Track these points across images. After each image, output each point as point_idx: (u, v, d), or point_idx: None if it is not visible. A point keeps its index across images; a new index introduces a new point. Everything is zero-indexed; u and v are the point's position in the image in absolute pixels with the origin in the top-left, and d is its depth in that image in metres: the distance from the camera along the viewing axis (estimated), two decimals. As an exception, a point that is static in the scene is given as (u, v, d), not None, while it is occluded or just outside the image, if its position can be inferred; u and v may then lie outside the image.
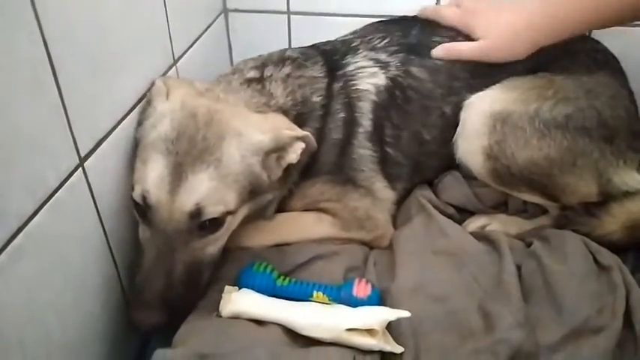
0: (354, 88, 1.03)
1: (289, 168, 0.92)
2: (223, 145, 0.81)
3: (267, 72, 0.99)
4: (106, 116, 0.80)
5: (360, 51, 1.07)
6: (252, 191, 0.85)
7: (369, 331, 0.77)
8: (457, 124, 1.07)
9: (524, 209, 1.12)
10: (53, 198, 0.68)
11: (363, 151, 1.03)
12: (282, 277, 0.90)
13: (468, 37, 1.05)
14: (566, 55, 1.06)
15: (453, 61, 1.05)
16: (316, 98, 1.00)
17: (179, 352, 0.74)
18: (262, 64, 1.01)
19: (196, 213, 0.79)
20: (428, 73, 1.05)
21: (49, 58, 0.65)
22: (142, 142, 0.84)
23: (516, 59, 1.02)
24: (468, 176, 1.11)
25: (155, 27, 0.95)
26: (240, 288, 0.86)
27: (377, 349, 0.77)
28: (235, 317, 0.82)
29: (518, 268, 0.92)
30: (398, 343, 0.78)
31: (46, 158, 0.67)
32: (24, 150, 0.62)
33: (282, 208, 1.03)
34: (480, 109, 1.03)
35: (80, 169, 0.74)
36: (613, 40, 1.13)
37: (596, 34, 1.18)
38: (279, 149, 0.87)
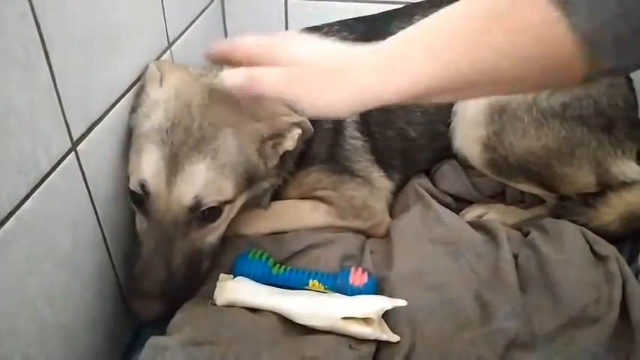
0: None
1: (285, 154, 0.91)
2: (219, 134, 0.80)
3: None
4: (99, 99, 0.78)
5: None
6: (249, 179, 0.84)
7: (366, 320, 0.77)
8: (444, 119, 1.06)
9: (522, 199, 1.12)
10: (45, 182, 0.67)
11: (355, 141, 1.02)
12: (277, 265, 0.89)
13: None
14: None
15: None
16: None
17: (174, 340, 0.73)
18: None
19: (195, 205, 0.78)
20: None
21: (41, 37, 0.63)
22: (136, 131, 0.82)
23: (333, 115, 0.64)
24: (466, 165, 1.10)
25: (150, 9, 0.93)
26: (235, 276, 0.86)
27: (373, 337, 0.77)
28: (230, 305, 0.81)
29: (516, 257, 0.92)
30: (394, 331, 0.78)
31: (37, 141, 0.65)
32: (15, 132, 0.61)
33: (278, 197, 1.02)
34: (478, 99, 1.03)
35: (73, 152, 0.72)
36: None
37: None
38: (275, 136, 0.86)
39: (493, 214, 1.08)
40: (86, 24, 0.72)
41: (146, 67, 0.89)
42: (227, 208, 0.83)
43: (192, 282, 0.84)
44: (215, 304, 0.81)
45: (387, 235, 1.02)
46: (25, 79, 0.62)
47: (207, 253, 0.86)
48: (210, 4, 1.25)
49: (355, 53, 0.61)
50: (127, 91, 0.85)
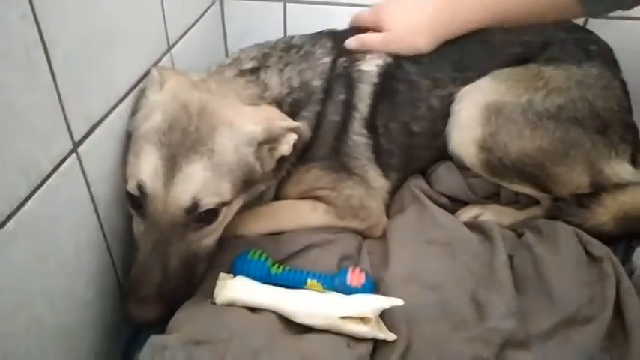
0: (357, 68, 1.03)
1: (282, 159, 0.92)
2: (216, 135, 0.80)
3: (269, 62, 0.99)
4: (101, 101, 0.79)
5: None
6: (245, 182, 0.85)
7: (363, 319, 0.77)
8: (445, 117, 1.07)
9: (517, 200, 1.13)
10: (46, 183, 0.68)
11: (358, 138, 1.03)
12: (276, 265, 0.90)
13: None
14: (554, 45, 1.06)
15: (436, 54, 1.06)
16: (317, 82, 1.00)
17: (173, 338, 0.74)
18: (265, 54, 1.01)
19: (192, 207, 0.78)
20: (414, 65, 1.06)
21: (42, 39, 0.64)
22: (135, 134, 0.83)
23: (420, 52, 1.04)
24: (461, 166, 1.11)
25: (150, 12, 0.94)
26: (234, 275, 0.86)
27: (370, 336, 0.78)
28: (230, 304, 0.81)
29: (511, 257, 0.93)
30: (391, 330, 0.79)
31: (38, 142, 0.66)
32: (16, 133, 0.62)
33: (277, 193, 1.03)
34: (474, 100, 1.04)
35: (74, 154, 0.73)
36: (608, 31, 1.13)
37: (592, 26, 1.18)
38: (271, 140, 0.87)
39: (488, 215, 1.08)
40: (87, 26, 0.73)
41: (147, 70, 0.90)
42: (224, 210, 0.83)
43: (188, 285, 0.84)
44: (215, 303, 0.82)
45: (383, 236, 1.03)
46: (26, 81, 0.62)
47: (204, 257, 0.86)
48: (209, 7, 1.26)
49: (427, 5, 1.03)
50: (128, 92, 0.86)
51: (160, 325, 0.79)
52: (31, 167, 0.65)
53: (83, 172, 0.76)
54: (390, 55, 1.05)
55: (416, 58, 1.05)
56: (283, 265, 0.90)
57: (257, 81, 0.95)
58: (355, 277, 0.87)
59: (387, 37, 1.03)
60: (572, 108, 1.00)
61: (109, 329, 0.87)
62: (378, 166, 1.06)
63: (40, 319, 0.70)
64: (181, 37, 1.08)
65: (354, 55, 1.05)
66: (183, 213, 0.79)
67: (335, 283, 0.86)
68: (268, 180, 0.94)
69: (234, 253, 0.90)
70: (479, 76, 1.06)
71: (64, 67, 0.68)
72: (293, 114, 0.96)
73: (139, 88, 0.88)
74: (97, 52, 0.76)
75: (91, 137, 0.76)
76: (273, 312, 0.81)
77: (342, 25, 1.16)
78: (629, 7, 0.90)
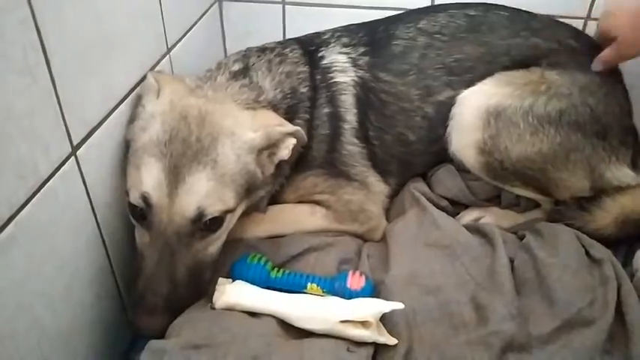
0: (332, 81, 1.03)
1: (281, 163, 0.92)
2: (218, 145, 0.80)
3: (250, 61, 0.99)
4: (99, 104, 0.79)
5: (332, 45, 1.07)
6: (248, 188, 0.85)
7: (363, 323, 0.77)
8: (444, 122, 1.06)
9: (517, 202, 1.13)
10: (45, 187, 0.67)
11: (352, 147, 1.03)
12: (276, 269, 0.90)
13: None
14: (560, 52, 1.06)
15: (425, 61, 1.04)
16: (303, 89, 1.00)
17: (172, 343, 0.74)
18: (244, 55, 1.01)
19: (198, 217, 0.78)
20: (395, 76, 1.04)
21: (41, 43, 0.64)
22: (133, 145, 0.82)
23: None
24: (462, 169, 1.11)
25: (149, 14, 0.93)
26: (234, 280, 0.86)
27: (371, 340, 0.77)
28: (229, 309, 0.81)
29: (511, 260, 0.93)
30: (391, 334, 0.79)
31: (37, 146, 0.65)
32: (14, 137, 0.61)
33: (275, 200, 1.03)
34: (475, 103, 1.03)
35: (73, 157, 0.73)
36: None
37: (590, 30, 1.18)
38: (271, 146, 0.87)
39: (489, 218, 1.08)
40: (86, 30, 0.73)
41: (145, 75, 0.89)
42: (228, 217, 0.84)
43: (196, 294, 0.83)
44: (214, 308, 0.82)
45: (383, 239, 1.02)
46: (24, 85, 0.62)
47: (209, 264, 0.86)
48: (208, 9, 1.25)
49: None
50: (127, 95, 0.86)
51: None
52: (29, 171, 0.65)
53: (82, 175, 0.75)
54: (361, 68, 1.04)
55: (397, 70, 1.04)
56: (283, 269, 0.90)
57: (251, 85, 0.94)
58: (355, 280, 0.86)
59: (616, 47, 1.00)
60: (574, 113, 1.00)
61: (108, 332, 0.87)
62: (376, 172, 1.06)
63: (39, 322, 0.70)
64: (180, 39, 1.08)
65: (324, 68, 1.03)
66: (188, 223, 0.78)
67: (335, 287, 0.86)
68: (268, 185, 0.94)
69: (233, 257, 0.90)
70: (480, 78, 1.05)
71: (62, 70, 0.68)
72: (289, 120, 0.95)
73: (136, 93, 0.88)
74: (95, 56, 0.76)
75: (90, 140, 0.76)
76: (273, 316, 0.81)
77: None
78: None
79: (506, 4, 1.11)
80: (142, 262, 0.80)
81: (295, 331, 0.80)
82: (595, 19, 1.15)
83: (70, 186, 0.73)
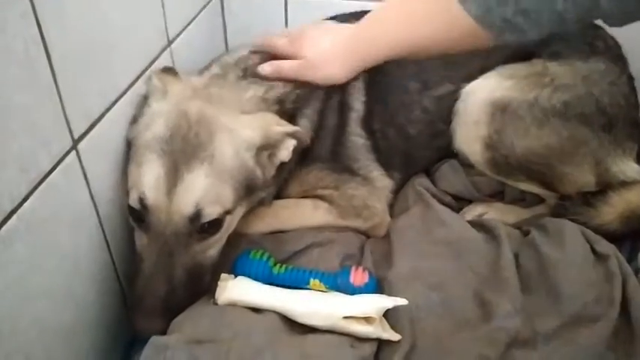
0: None
1: (282, 165, 0.91)
2: (215, 140, 0.80)
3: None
4: (100, 97, 0.78)
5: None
6: (247, 188, 0.84)
7: (367, 319, 0.77)
8: (444, 117, 1.06)
9: (522, 198, 1.13)
10: (46, 181, 0.67)
11: (356, 138, 1.02)
12: (278, 265, 0.89)
13: None
14: (559, 40, 1.05)
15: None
16: None
17: (175, 338, 0.73)
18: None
19: (196, 215, 0.77)
20: (397, 67, 1.03)
21: (42, 36, 0.63)
22: (136, 143, 0.82)
23: (334, 81, 0.98)
24: (466, 164, 1.10)
25: (150, 7, 0.93)
26: (236, 275, 0.85)
27: (374, 336, 0.77)
28: (232, 304, 0.81)
29: (516, 256, 0.92)
30: (395, 330, 0.78)
31: (38, 139, 0.65)
32: (16, 131, 0.61)
33: (279, 195, 1.02)
34: (480, 97, 1.03)
35: (74, 151, 0.72)
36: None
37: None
38: (270, 146, 0.87)
39: (493, 213, 1.08)
40: (87, 23, 0.72)
41: (147, 66, 0.89)
42: (227, 219, 0.83)
43: (195, 298, 0.82)
44: (216, 304, 0.81)
45: (386, 235, 1.02)
46: (25, 78, 0.61)
47: (208, 267, 0.85)
48: (209, 1, 1.24)
49: (341, 35, 0.97)
50: (128, 88, 0.85)
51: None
52: (30, 164, 0.64)
53: (83, 169, 0.75)
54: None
55: (400, 62, 1.01)
56: (285, 265, 0.90)
57: (260, 81, 0.94)
58: (358, 276, 0.86)
59: (302, 65, 0.97)
60: (579, 105, 0.99)
61: (110, 327, 0.86)
62: (380, 166, 1.05)
63: (41, 318, 0.69)
64: (181, 32, 1.07)
65: None
66: (186, 222, 0.78)
67: (338, 283, 0.86)
68: (268, 187, 0.93)
69: (236, 253, 0.90)
70: (480, 72, 1.04)
71: (63, 64, 0.67)
72: (295, 110, 0.95)
73: (139, 94, 0.88)
74: (96, 49, 0.75)
75: (91, 134, 0.75)
76: (276, 312, 0.80)
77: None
78: (535, 37, 0.83)
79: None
80: (140, 263, 0.79)
81: (298, 327, 0.79)
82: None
83: (71, 180, 0.72)
